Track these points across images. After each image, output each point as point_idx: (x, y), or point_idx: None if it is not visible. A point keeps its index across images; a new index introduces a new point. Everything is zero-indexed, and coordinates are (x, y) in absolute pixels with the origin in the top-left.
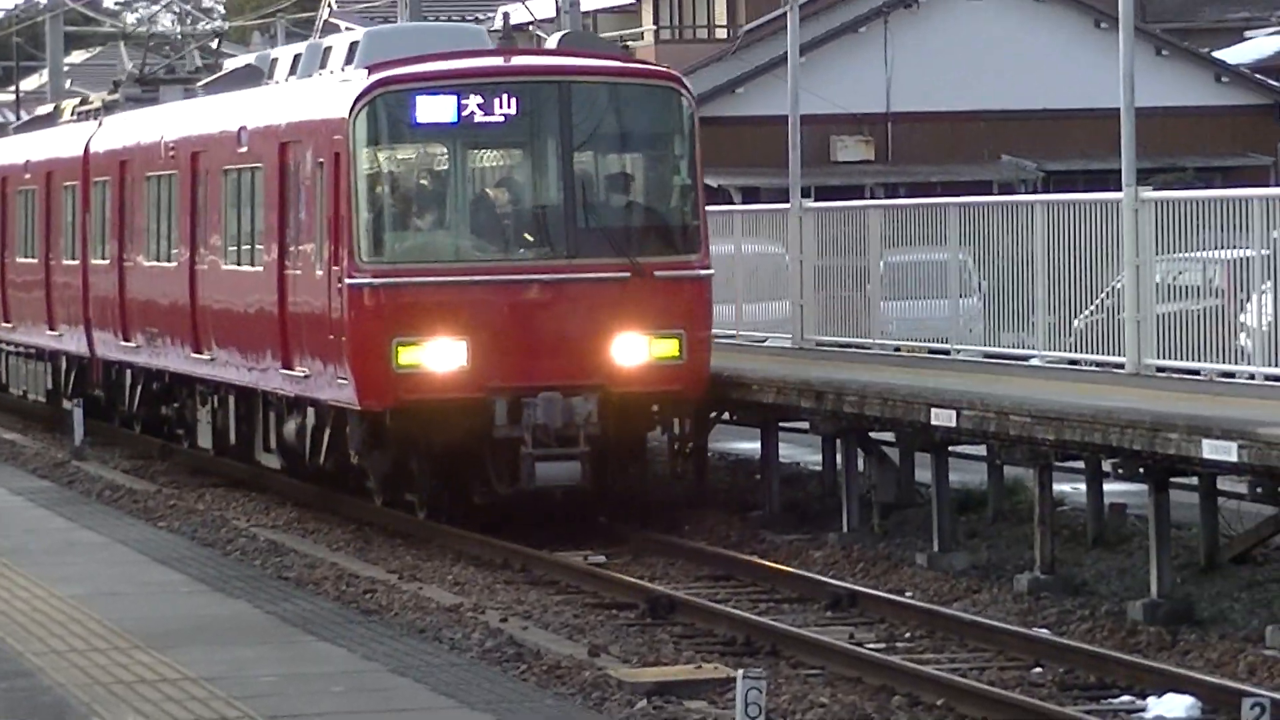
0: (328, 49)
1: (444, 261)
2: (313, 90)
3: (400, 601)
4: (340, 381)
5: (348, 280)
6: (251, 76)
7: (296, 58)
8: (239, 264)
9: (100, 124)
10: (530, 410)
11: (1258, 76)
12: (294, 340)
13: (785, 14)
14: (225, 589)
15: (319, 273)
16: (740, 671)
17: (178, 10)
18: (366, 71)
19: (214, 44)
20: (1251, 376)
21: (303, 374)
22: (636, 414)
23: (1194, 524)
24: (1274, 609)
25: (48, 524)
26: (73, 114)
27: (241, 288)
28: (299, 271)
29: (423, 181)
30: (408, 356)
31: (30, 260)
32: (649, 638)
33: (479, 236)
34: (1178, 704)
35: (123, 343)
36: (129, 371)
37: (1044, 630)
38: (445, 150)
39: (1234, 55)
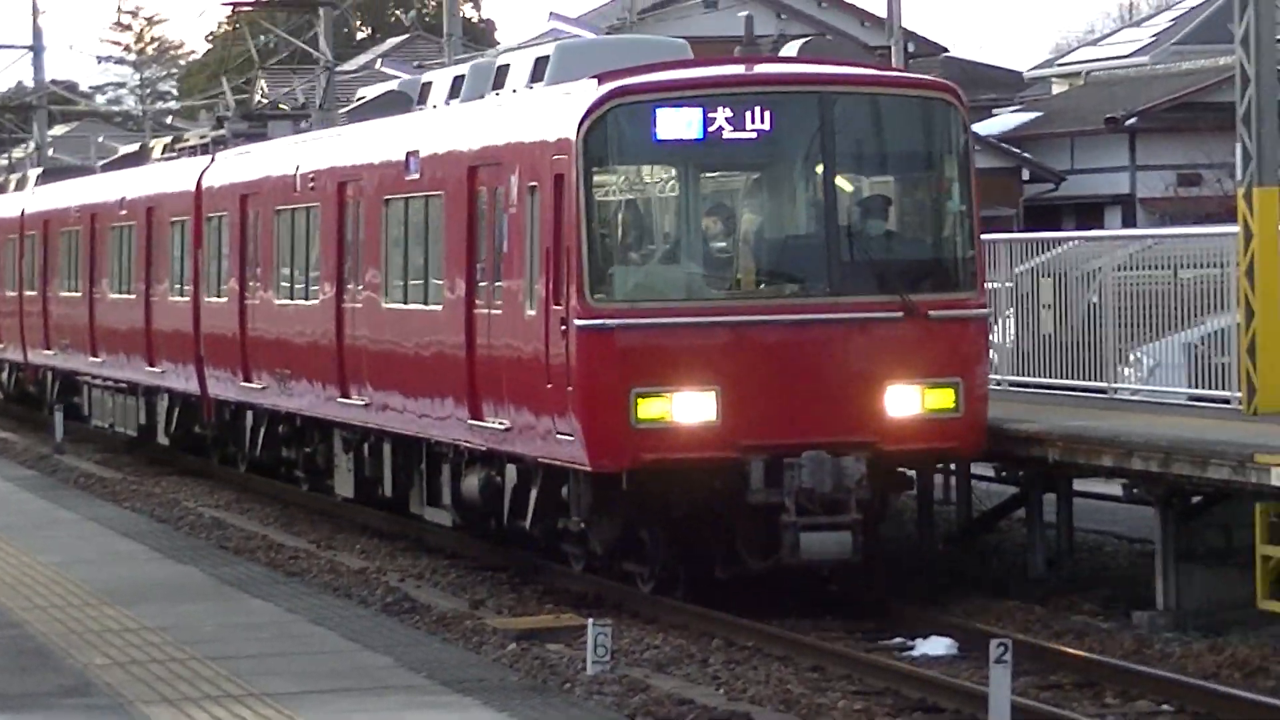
0: (503, 67)
1: (691, 300)
2: (512, 107)
3: (318, 566)
4: (561, 436)
5: (576, 321)
6: (398, 103)
7: (457, 79)
8: (405, 301)
9: (212, 159)
10: (793, 472)
11: (1003, 145)
12: (486, 387)
13: None
14: (177, 556)
15: (530, 312)
16: (590, 620)
17: (139, 94)
18: (596, 81)
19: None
20: (999, 383)
21: (500, 425)
22: (903, 476)
23: (953, 502)
24: (1015, 569)
25: (32, 505)
26: (164, 152)
27: (410, 328)
28: (498, 311)
29: (663, 207)
30: (649, 409)
31: (126, 296)
32: (519, 594)
33: (730, 271)
34: (940, 644)
35: (243, 383)
36: (249, 412)
37: (834, 586)
38: (689, 171)
39: (984, 128)
